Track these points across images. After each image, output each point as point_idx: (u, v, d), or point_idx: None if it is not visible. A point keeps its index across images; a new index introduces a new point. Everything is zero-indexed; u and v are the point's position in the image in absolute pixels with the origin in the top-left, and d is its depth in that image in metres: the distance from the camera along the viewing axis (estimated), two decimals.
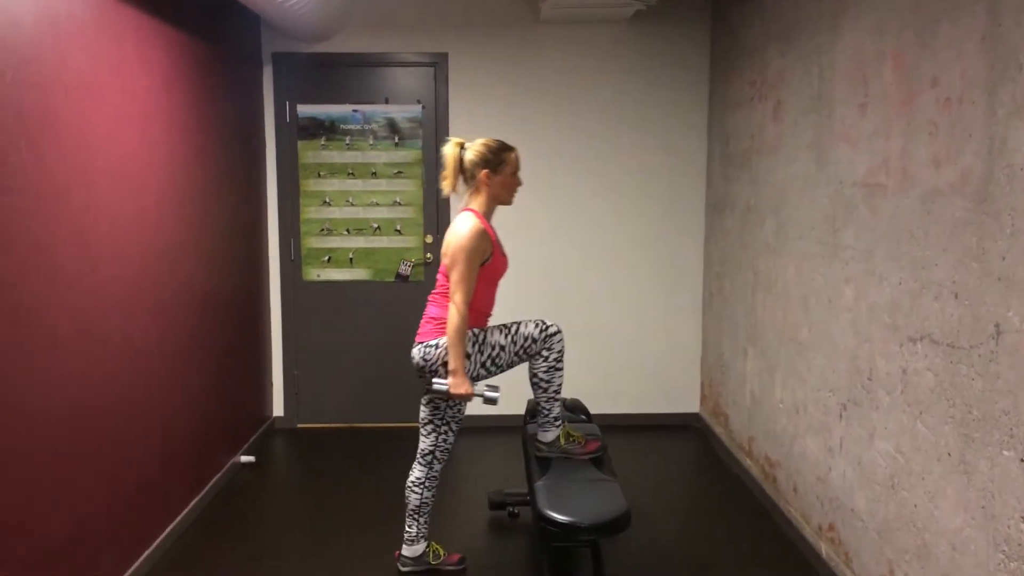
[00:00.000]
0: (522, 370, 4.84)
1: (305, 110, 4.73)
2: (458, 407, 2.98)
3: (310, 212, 4.79)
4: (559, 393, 3.03)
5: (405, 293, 4.86)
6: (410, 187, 4.79)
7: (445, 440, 3.02)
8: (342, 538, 3.44)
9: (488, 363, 2.93)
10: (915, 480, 2.44)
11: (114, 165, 2.88)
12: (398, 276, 4.84)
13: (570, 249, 4.84)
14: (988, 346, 2.07)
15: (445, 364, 2.86)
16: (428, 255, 4.82)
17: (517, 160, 2.96)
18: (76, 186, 2.62)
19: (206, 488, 3.76)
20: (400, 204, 4.80)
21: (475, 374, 2.92)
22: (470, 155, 2.91)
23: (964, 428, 2.18)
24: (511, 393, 4.90)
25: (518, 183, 2.99)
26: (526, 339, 2.95)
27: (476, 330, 2.92)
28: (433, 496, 3.07)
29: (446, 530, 3.51)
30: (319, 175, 4.77)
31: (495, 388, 2.89)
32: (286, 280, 4.82)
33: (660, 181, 4.81)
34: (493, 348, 2.92)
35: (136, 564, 3.03)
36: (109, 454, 2.84)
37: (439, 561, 3.14)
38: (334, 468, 4.25)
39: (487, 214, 2.95)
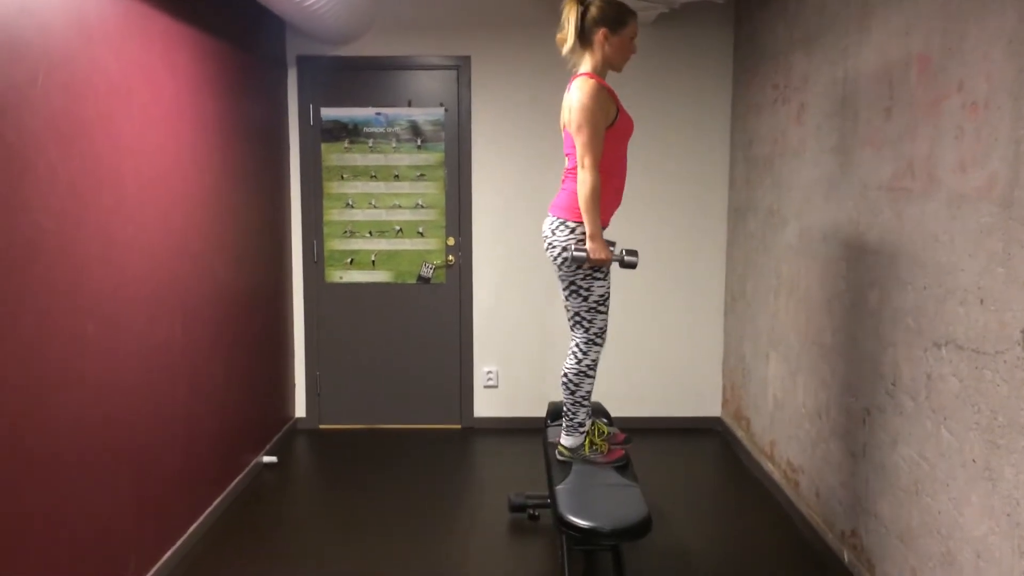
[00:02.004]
0: (541, 373, 4.86)
1: (329, 113, 4.77)
2: (589, 283, 2.87)
3: (333, 214, 4.83)
4: (586, 399, 3.02)
5: (427, 295, 4.88)
6: (432, 190, 4.81)
7: (592, 324, 2.97)
8: (364, 539, 3.46)
9: (570, 276, 2.89)
10: (939, 486, 2.41)
11: (141, 167, 2.93)
12: (420, 278, 4.87)
13: None
14: (1014, 352, 2.05)
15: (567, 245, 2.83)
16: (450, 257, 4.84)
17: (636, 27, 2.88)
18: (104, 188, 2.66)
19: (229, 488, 3.79)
20: (422, 207, 4.82)
21: (561, 274, 2.90)
22: (593, 11, 2.83)
23: (989, 434, 2.16)
24: (531, 395, 4.91)
25: (633, 50, 2.90)
26: (591, 318, 2.94)
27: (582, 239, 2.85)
28: (592, 382, 3.02)
29: (465, 532, 3.52)
30: (342, 177, 4.80)
31: (634, 252, 2.80)
32: (309, 281, 4.86)
33: (682, 184, 4.79)
34: (585, 277, 2.87)
35: (159, 563, 3.07)
36: (134, 454, 2.88)
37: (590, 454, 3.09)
38: (356, 469, 4.28)
39: (601, 76, 2.86)
